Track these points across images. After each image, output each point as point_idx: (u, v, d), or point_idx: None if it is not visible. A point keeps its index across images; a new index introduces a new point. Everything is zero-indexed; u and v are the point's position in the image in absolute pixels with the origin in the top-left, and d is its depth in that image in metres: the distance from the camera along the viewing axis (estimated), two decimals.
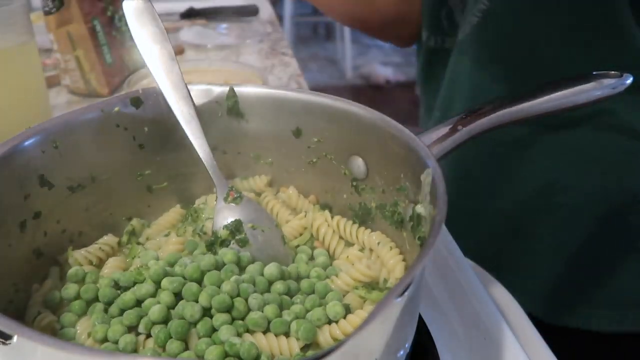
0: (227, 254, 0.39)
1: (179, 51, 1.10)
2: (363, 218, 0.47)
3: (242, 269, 0.39)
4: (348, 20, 0.83)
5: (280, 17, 2.45)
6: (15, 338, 0.24)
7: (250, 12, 1.35)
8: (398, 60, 3.66)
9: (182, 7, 1.34)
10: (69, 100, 0.90)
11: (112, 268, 0.41)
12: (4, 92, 0.69)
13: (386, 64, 3.51)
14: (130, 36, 0.44)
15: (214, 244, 0.41)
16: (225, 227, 0.42)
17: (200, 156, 0.44)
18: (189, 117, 0.44)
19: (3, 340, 0.25)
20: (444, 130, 0.42)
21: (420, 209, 0.37)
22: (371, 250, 0.44)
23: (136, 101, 0.45)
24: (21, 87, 0.71)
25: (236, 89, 0.47)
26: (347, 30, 3.27)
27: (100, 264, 0.43)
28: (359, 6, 0.76)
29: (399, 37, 0.84)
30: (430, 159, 0.35)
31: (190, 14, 1.32)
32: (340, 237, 0.46)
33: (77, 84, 0.89)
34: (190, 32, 1.20)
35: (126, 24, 0.44)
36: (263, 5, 1.42)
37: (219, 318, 0.34)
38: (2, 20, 0.65)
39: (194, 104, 0.45)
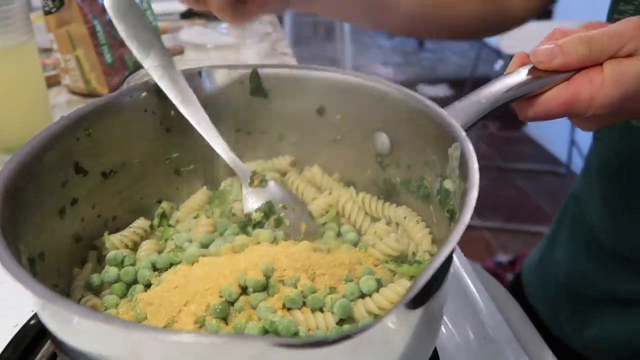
0: (262, 233, 0.40)
1: (178, 51, 1.10)
2: (388, 193, 0.47)
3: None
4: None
5: (280, 17, 2.43)
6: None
7: None
8: (398, 60, 3.63)
9: (182, 7, 1.32)
10: (69, 100, 0.91)
11: (147, 250, 0.43)
12: (3, 92, 0.70)
13: (386, 64, 3.48)
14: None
15: (247, 225, 0.42)
16: (258, 209, 0.43)
17: (214, 148, 0.44)
18: (193, 111, 0.44)
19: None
20: (467, 102, 0.42)
21: (448, 183, 0.37)
22: (397, 224, 0.45)
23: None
24: (21, 87, 0.71)
25: (259, 69, 0.47)
26: (347, 30, 3.22)
27: (135, 247, 0.44)
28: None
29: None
30: (458, 132, 0.35)
31: (190, 14, 1.31)
32: (366, 213, 0.47)
33: (77, 84, 0.90)
34: (190, 32, 1.19)
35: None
36: None
37: (256, 297, 0.35)
38: (2, 20, 0.65)
39: (195, 97, 0.45)
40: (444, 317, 0.47)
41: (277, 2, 0.61)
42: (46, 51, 0.97)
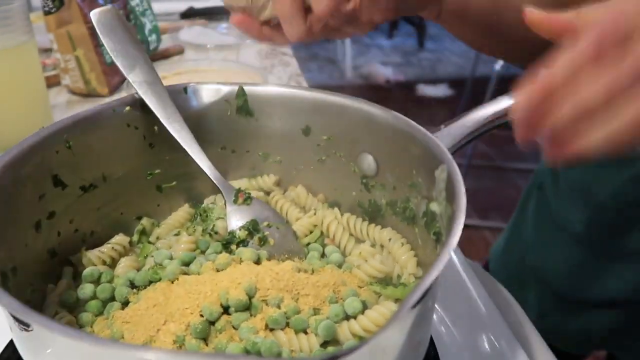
0: (245, 252, 0.39)
1: (178, 51, 1.10)
2: (373, 215, 0.47)
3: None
4: None
5: None
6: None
7: None
8: (398, 60, 3.64)
9: (182, 7, 1.33)
10: (69, 100, 0.90)
11: (125, 267, 0.41)
12: (3, 92, 0.69)
13: (386, 64, 3.50)
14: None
15: (230, 243, 0.42)
16: (243, 227, 0.42)
17: (199, 165, 0.44)
18: (177, 127, 0.44)
19: (25, 328, 0.25)
20: (454, 126, 0.43)
21: (434, 206, 0.37)
22: (382, 246, 0.45)
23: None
24: (21, 87, 0.71)
25: (246, 88, 0.47)
26: None
27: (113, 263, 0.43)
28: None
29: None
30: (445, 155, 0.36)
31: (190, 14, 1.32)
32: (351, 234, 0.47)
33: (77, 84, 0.89)
34: (190, 32, 1.19)
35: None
36: None
37: (238, 316, 0.34)
38: (2, 20, 0.65)
39: (179, 113, 0.45)
40: (445, 317, 0.47)
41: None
42: (46, 51, 0.96)
